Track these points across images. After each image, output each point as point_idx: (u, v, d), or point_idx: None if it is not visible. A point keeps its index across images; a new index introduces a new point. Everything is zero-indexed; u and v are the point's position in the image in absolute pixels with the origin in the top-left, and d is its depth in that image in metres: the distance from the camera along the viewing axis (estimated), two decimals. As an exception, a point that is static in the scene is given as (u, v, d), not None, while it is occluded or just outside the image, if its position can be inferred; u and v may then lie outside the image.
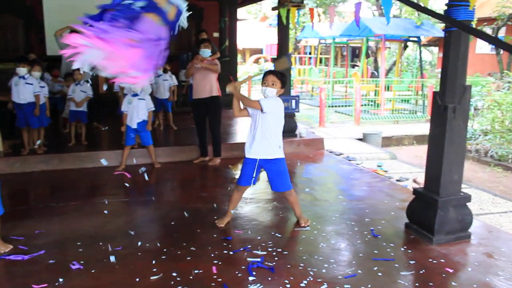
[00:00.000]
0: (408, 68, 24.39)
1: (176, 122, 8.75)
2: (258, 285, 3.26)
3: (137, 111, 6.27)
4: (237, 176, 5.92)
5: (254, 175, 4.21)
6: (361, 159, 8.76)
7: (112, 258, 3.64)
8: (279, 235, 4.16)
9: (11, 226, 4.24)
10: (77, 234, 4.18)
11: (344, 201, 5.24)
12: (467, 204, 4.13)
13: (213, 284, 3.27)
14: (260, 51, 30.96)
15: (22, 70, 6.39)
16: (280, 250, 3.82)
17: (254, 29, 31.54)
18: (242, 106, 4.25)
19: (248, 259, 3.64)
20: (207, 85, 6.41)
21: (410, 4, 4.40)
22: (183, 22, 3.26)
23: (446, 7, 3.86)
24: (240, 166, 5.91)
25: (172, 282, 3.29)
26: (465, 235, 4.11)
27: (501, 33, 18.36)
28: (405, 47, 19.45)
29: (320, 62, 22.68)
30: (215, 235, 4.12)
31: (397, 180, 7.28)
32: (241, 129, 8.52)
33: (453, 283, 3.38)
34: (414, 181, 7.33)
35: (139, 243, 3.96)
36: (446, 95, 3.93)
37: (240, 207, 4.88)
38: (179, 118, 9.25)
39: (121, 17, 2.77)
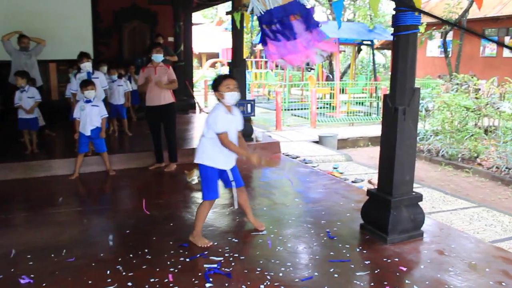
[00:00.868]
0: (362, 71, 24.97)
1: (131, 128, 8.61)
2: (215, 291, 3.24)
3: (90, 118, 6.13)
4: (193, 182, 5.92)
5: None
6: (317, 161, 8.87)
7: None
8: (236, 240, 4.16)
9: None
10: (27, 247, 4.03)
11: (301, 204, 5.29)
12: (419, 203, 4.25)
13: (169, 292, 3.23)
14: (216, 55, 30.93)
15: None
16: (237, 255, 3.81)
17: (210, 33, 31.50)
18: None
19: (205, 265, 3.61)
20: (161, 92, 6.33)
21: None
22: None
23: (394, 12, 3.96)
24: (196, 171, 5.88)
25: (127, 292, 3.23)
26: (418, 233, 4.22)
27: (449, 37, 19.01)
28: (359, 50, 19.89)
29: (276, 66, 22.82)
30: (171, 242, 4.06)
31: (353, 182, 7.41)
32: (197, 135, 8.45)
33: (407, 281, 3.46)
34: (369, 182, 7.48)
35: (93, 253, 3.86)
36: (396, 98, 4.03)
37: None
38: (135, 124, 9.12)
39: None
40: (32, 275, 3.47)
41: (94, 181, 6.27)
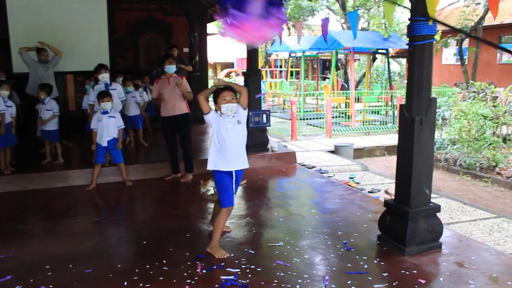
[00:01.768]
0: (377, 79, 24.83)
1: (147, 139, 8.68)
2: (232, 303, 3.23)
3: (107, 129, 6.20)
4: (208, 193, 5.93)
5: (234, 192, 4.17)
6: (333, 171, 8.83)
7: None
8: (253, 252, 4.14)
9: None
10: (46, 257, 4.08)
11: (317, 214, 5.26)
12: (437, 214, 4.20)
13: (186, 304, 3.23)
14: (231, 65, 31.07)
15: (-15, 90, 6.26)
16: (253, 266, 3.80)
17: (224, 44, 31.63)
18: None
19: (222, 277, 3.60)
20: (175, 103, 6.38)
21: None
22: None
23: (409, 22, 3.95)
24: (210, 182, 5.91)
25: (145, 304, 3.24)
26: (436, 245, 4.17)
27: (465, 45, 18.87)
28: (374, 59, 19.82)
29: (291, 75, 22.87)
30: (187, 254, 4.07)
31: (369, 192, 7.36)
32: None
33: (425, 294, 3.42)
34: (386, 192, 7.41)
35: (110, 264, 3.89)
36: (412, 108, 4.00)
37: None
38: (150, 135, 9.19)
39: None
40: (51, 286, 3.51)
41: (111, 191, 6.32)
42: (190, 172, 6.67)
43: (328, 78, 20.66)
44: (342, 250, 4.18)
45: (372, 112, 15.88)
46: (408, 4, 4.01)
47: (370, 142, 12.39)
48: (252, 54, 7.80)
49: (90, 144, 6.43)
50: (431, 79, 4.03)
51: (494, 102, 11.69)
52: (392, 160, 10.67)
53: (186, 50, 11.90)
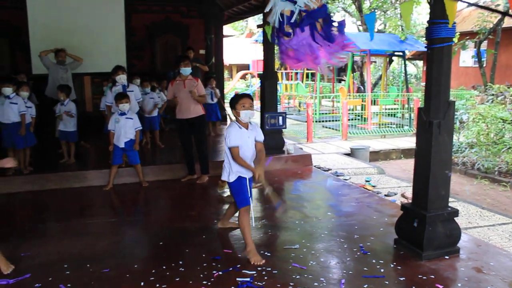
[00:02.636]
0: (393, 82, 24.68)
1: (163, 140, 8.73)
2: (248, 305, 3.23)
3: (124, 130, 6.25)
4: (224, 195, 5.95)
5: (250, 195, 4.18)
6: (349, 174, 8.78)
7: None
8: (268, 254, 4.14)
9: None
10: (64, 257, 4.12)
11: (333, 217, 5.24)
12: (455, 218, 4.15)
13: (202, 305, 3.24)
14: (247, 67, 31.11)
15: (7, 90, 6.35)
16: (269, 269, 3.80)
17: (240, 45, 31.73)
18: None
19: (238, 279, 3.61)
20: (191, 105, 6.40)
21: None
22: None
23: (427, 25, 3.92)
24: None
25: (161, 305, 3.26)
26: (454, 249, 4.12)
27: (483, 47, 18.64)
28: (390, 61, 19.69)
29: (307, 77, 22.81)
30: (203, 255, 4.08)
31: (386, 195, 7.30)
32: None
33: (443, 299, 3.38)
34: (403, 195, 7.36)
35: (127, 264, 3.92)
36: (430, 111, 3.97)
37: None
38: (166, 136, 9.24)
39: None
40: (69, 285, 3.55)
41: (127, 192, 6.37)
42: (206, 174, 6.69)
43: (344, 81, 20.57)
44: (358, 253, 4.15)
45: (388, 114, 15.78)
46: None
47: (386, 145, 12.31)
48: (269, 56, 7.80)
49: (107, 145, 6.48)
50: (449, 82, 3.99)
51: (513, 105, 11.54)
52: (409, 163, 10.59)
53: (202, 52, 11.94)
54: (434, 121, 3.91)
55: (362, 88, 18.65)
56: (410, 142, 12.50)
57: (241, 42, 32.75)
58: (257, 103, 19.21)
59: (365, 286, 3.51)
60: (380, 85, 19.02)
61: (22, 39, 10.54)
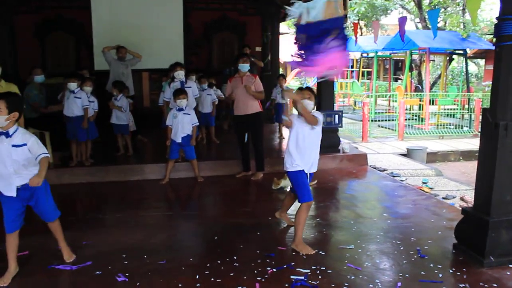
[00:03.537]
0: (453, 81, 23.85)
1: (218, 136, 8.84)
2: (302, 304, 3.22)
3: (182, 126, 6.37)
4: (279, 192, 5.95)
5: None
6: (405, 175, 8.58)
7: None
8: (323, 253, 4.11)
9: (60, 236, 4.37)
10: (122, 246, 4.26)
11: (389, 219, 5.13)
12: (520, 225, 3.97)
13: (256, 301, 3.26)
14: (301, 64, 30.88)
15: (72, 85, 6.62)
16: (324, 268, 3.77)
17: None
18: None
19: (292, 276, 3.60)
20: (248, 102, 6.44)
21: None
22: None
23: (496, 21, 3.76)
24: (284, 181, 5.96)
25: (216, 298, 3.30)
26: (519, 258, 3.94)
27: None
28: (451, 60, 19.03)
29: (363, 75, 22.46)
30: (258, 251, 4.10)
31: (444, 198, 7.07)
32: (284, 144, 8.50)
33: (506, 309, 3.24)
34: (462, 199, 7.11)
35: (183, 258, 4.00)
36: (497, 112, 3.80)
37: (283, 222, 4.86)
38: (221, 132, 9.34)
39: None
40: (127, 274, 3.67)
41: (183, 186, 6.49)
42: (261, 171, 6.72)
43: (400, 79, 20.12)
44: (415, 257, 4.04)
45: (447, 115, 15.27)
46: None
47: (445, 146, 11.92)
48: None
49: (164, 140, 6.63)
50: (518, 82, 3.81)
51: None
52: (468, 166, 10.23)
53: (258, 49, 11.98)
54: (500, 122, 3.74)
55: (420, 87, 18.14)
56: (470, 144, 12.05)
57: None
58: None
59: (422, 290, 3.42)
60: (439, 84, 18.43)
61: (86, 36, 10.96)
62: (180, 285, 3.49)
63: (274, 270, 3.73)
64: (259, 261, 3.90)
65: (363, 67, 23.13)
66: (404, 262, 3.95)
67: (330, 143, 7.66)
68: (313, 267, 3.77)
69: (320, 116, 4.16)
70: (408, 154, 10.62)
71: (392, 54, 20.38)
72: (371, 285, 3.49)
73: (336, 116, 7.56)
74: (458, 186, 8.09)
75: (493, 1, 22.65)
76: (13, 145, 3.44)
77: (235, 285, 3.47)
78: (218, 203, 6.00)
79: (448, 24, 22.08)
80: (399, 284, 3.52)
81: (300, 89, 4.27)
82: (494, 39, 3.84)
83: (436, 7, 19.23)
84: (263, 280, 3.56)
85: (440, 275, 3.68)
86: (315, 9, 4.05)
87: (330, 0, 4.02)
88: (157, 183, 6.50)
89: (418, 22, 21.79)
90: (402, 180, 7.62)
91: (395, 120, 13.39)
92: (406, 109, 14.43)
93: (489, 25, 19.94)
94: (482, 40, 15.61)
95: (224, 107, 10.04)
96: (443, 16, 22.06)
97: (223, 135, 9.09)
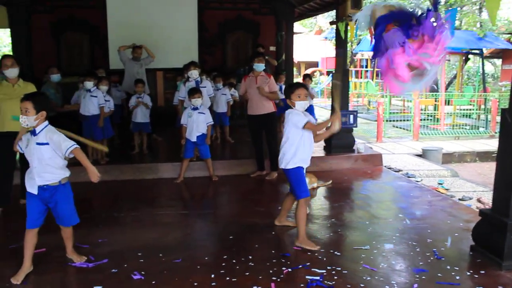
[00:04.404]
0: (469, 81, 23.59)
1: (232, 136, 8.85)
2: (318, 304, 3.21)
3: (196, 125, 6.38)
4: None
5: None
6: (421, 176, 8.50)
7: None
8: (338, 253, 4.09)
9: (77, 233, 4.37)
10: (138, 245, 4.28)
11: (404, 219, 5.08)
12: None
13: (272, 301, 3.25)
14: (315, 64, 30.87)
15: (89, 84, 6.68)
16: (339, 269, 3.75)
17: (309, 42, 31.53)
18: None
19: (307, 277, 3.59)
20: (262, 101, 6.43)
21: None
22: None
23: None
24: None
25: (231, 298, 3.30)
26: (539, 261, 3.88)
27: None
28: (466, 59, 18.83)
29: (377, 75, 22.30)
30: (273, 251, 4.10)
31: (460, 199, 7.00)
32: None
33: (525, 312, 3.20)
34: (479, 200, 7.03)
35: (198, 256, 4.01)
36: (516, 113, 3.75)
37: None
38: (236, 131, 9.35)
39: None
40: (142, 272, 3.69)
41: (197, 185, 6.51)
42: (276, 170, 6.71)
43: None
44: (431, 258, 4.01)
45: (463, 115, 15.10)
46: None
47: (460, 147, 11.80)
48: (341, 53, 7.69)
49: (179, 139, 6.66)
50: (538, 82, 3.76)
51: None
52: (484, 167, 10.11)
53: (272, 48, 11.98)
54: (519, 123, 3.70)
55: (435, 87, 17.97)
56: (486, 144, 11.91)
57: (310, 40, 32.53)
58: (326, 101, 18.98)
59: (439, 292, 3.38)
60: (455, 84, 18.24)
61: (100, 35, 11.04)
62: (195, 283, 3.50)
63: (290, 270, 3.72)
64: (274, 260, 3.90)
65: (377, 67, 22.96)
66: (421, 263, 3.91)
67: (345, 143, 7.63)
68: (328, 268, 3.76)
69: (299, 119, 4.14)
70: (423, 154, 10.52)
71: (407, 54, 20.18)
72: (387, 287, 3.47)
73: (351, 116, 7.53)
74: (474, 187, 8.00)
75: (511, 0, 22.37)
76: (37, 143, 3.52)
77: (250, 284, 3.46)
78: (233, 203, 6.00)
79: (464, 23, 21.86)
80: (415, 285, 3.49)
81: (296, 85, 4.27)
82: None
83: (453, 6, 19.04)
84: (278, 280, 3.55)
85: (457, 277, 3.64)
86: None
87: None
88: (172, 182, 6.53)
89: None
90: (417, 181, 7.56)
91: (410, 120, 13.28)
92: (421, 109, 14.30)
93: (506, 24, 19.70)
94: (500, 39, 15.42)
95: (239, 106, 10.06)
96: (459, 15, 21.83)
97: (237, 135, 9.08)
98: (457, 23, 22.63)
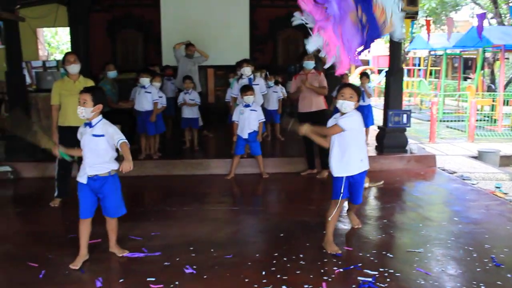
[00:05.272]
0: (530, 81, 22.55)
1: (283, 133, 8.84)
2: (371, 306, 3.16)
3: (248, 122, 6.42)
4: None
5: (342, 191, 4.12)
6: (477, 178, 8.20)
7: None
8: (391, 255, 4.01)
9: (130, 226, 4.54)
10: (189, 239, 4.35)
11: (460, 223, 4.92)
12: None
13: (323, 301, 3.23)
14: (366, 62, 30.39)
15: (144, 80, 6.85)
16: (392, 271, 3.67)
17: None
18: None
19: (359, 278, 3.54)
20: (313, 99, 6.40)
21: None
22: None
23: None
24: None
25: (282, 295, 3.30)
26: None
27: None
28: (527, 58, 18.03)
29: (430, 74, 21.72)
30: (324, 251, 4.06)
31: (519, 204, 6.71)
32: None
33: None
34: (539, 206, 6.71)
35: (249, 253, 4.04)
36: None
37: (348, 222, 4.79)
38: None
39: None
40: (194, 266, 3.74)
41: (248, 182, 6.55)
42: (326, 169, 6.64)
43: (470, 78, 19.28)
44: (490, 265, 3.86)
45: (522, 117, 14.47)
46: None
47: (519, 149, 11.31)
48: (395, 52, 7.54)
49: (230, 135, 6.72)
50: None
51: None
52: (546, 171, 9.65)
53: (323, 46, 11.86)
54: None
55: (493, 87, 17.31)
56: (547, 147, 11.37)
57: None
58: (377, 100, 18.61)
59: (498, 300, 3.26)
60: (515, 84, 17.50)
61: (154, 33, 11.30)
62: (246, 280, 3.52)
63: (341, 270, 3.69)
64: (325, 260, 3.87)
65: (430, 66, 22.36)
66: (478, 270, 3.77)
67: (397, 143, 7.48)
68: (380, 269, 3.69)
69: (343, 122, 4.03)
70: (479, 156, 10.15)
71: (462, 52, 19.56)
72: (442, 292, 3.38)
73: (404, 116, 7.37)
74: (534, 192, 7.65)
75: None
76: (93, 135, 3.68)
77: (301, 283, 3.45)
78: (283, 200, 6.01)
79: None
80: (472, 292, 3.38)
81: (344, 86, 4.16)
82: None
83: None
84: (329, 279, 3.52)
85: (518, 286, 3.50)
86: None
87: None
88: (222, 178, 6.60)
89: (491, 18, 20.80)
90: (473, 184, 7.30)
91: (465, 120, 12.84)
92: (477, 110, 13.80)
93: None
94: None
95: (289, 104, 10.03)
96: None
97: (287, 133, 9.06)
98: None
